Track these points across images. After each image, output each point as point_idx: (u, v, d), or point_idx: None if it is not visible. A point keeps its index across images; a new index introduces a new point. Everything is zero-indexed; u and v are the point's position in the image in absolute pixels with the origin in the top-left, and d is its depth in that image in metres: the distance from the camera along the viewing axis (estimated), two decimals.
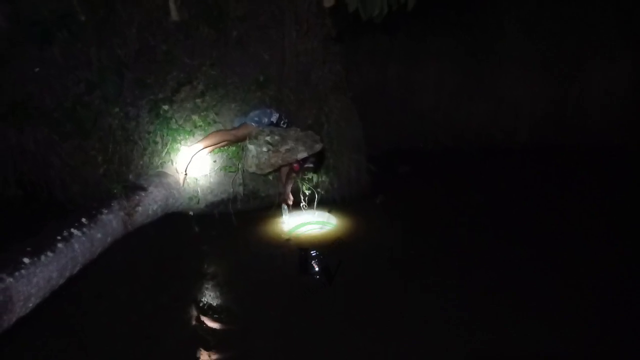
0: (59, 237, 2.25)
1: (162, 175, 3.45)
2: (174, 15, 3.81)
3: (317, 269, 2.88)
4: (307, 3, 4.12)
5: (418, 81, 7.28)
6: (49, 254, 2.11)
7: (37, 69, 3.81)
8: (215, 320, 2.44)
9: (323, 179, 4.24)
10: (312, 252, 2.94)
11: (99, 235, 2.51)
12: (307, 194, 4.05)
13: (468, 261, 3.14)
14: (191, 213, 3.79)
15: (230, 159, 3.84)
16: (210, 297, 2.71)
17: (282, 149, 3.32)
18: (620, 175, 5.57)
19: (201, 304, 2.60)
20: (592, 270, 3.02)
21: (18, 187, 4.09)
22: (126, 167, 3.83)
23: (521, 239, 3.53)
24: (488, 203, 4.46)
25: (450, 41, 7.16)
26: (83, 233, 2.39)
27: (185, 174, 3.47)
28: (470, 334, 2.28)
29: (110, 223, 2.64)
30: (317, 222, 3.80)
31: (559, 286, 2.79)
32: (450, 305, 2.57)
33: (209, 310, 2.53)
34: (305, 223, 3.76)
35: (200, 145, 3.41)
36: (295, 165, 3.50)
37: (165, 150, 3.70)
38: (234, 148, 3.77)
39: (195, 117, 3.82)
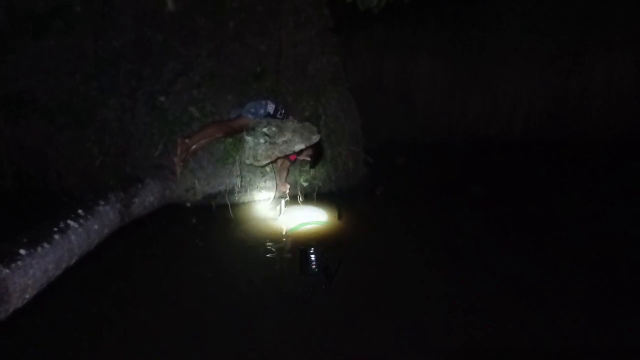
0: (55, 229, 2.24)
1: (158, 166, 3.44)
2: (170, 5, 3.78)
3: (316, 267, 2.86)
4: None
5: (414, 74, 7.23)
6: (46, 245, 2.11)
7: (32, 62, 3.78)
8: (211, 314, 2.43)
9: (321, 171, 4.23)
10: (312, 250, 2.92)
11: (96, 227, 2.50)
12: (304, 185, 4.04)
13: (466, 259, 3.12)
14: (188, 205, 3.78)
15: (227, 150, 3.83)
16: (206, 290, 2.70)
17: (280, 140, 3.30)
18: (621, 171, 5.52)
19: (197, 298, 2.59)
20: (592, 268, 2.99)
21: (15, 179, 4.07)
22: (123, 158, 3.82)
23: (520, 237, 3.50)
24: (484, 198, 4.43)
25: (446, 34, 7.10)
26: (80, 224, 2.38)
27: (182, 166, 3.46)
28: (470, 334, 2.28)
29: (107, 214, 2.64)
30: (316, 222, 3.69)
31: (558, 284, 2.77)
32: (450, 304, 2.55)
33: (205, 304, 2.53)
34: (305, 223, 3.67)
35: (197, 136, 3.40)
36: (291, 155, 3.50)
37: (162, 141, 3.69)
38: (230, 140, 3.75)
39: (191, 109, 3.80)
